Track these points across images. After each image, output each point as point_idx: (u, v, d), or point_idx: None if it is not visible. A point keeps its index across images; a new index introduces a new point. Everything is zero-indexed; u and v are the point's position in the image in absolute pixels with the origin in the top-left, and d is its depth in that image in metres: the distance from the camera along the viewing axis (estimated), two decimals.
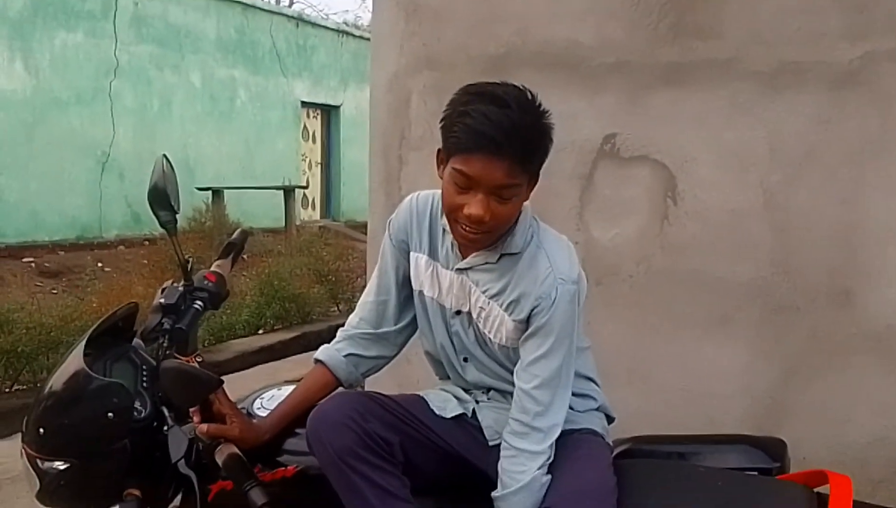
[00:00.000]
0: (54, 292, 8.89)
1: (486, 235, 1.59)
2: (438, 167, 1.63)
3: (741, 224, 2.38)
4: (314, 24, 15.67)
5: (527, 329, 1.63)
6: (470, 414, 1.76)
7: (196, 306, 1.80)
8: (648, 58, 2.45)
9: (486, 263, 1.67)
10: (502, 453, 1.61)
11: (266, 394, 1.82)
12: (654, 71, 2.45)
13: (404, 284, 1.82)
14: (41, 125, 10.57)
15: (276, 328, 6.88)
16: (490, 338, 1.70)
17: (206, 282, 1.84)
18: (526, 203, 1.65)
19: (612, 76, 2.49)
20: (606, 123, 2.51)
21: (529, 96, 1.56)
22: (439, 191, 1.64)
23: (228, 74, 13.46)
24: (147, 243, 10.28)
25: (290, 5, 21.60)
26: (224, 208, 10.85)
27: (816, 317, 2.35)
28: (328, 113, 15.98)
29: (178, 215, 1.83)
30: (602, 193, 2.54)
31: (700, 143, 2.41)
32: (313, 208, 15.75)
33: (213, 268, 1.89)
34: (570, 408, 1.68)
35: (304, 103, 15.15)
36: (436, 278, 1.75)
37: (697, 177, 2.42)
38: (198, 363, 1.77)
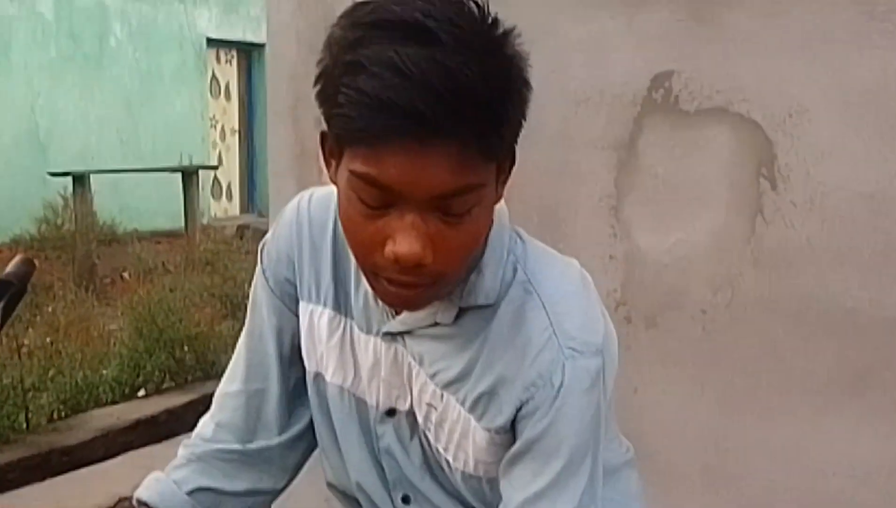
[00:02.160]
0: None
1: (432, 288, 1.32)
2: (328, 166, 1.36)
3: (888, 219, 2.16)
4: None
5: (511, 444, 1.39)
6: None
7: None
8: None
9: (436, 323, 1.41)
10: None
11: None
12: None
13: (293, 361, 1.59)
14: None
15: (162, 388, 6.69)
16: (448, 460, 1.46)
17: None
18: (499, 206, 1.39)
19: None
20: (657, 54, 2.32)
21: (476, 12, 1.26)
22: None
23: (96, 1, 13.36)
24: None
25: None
26: (91, 201, 10.70)
27: None
28: (248, 55, 16.03)
29: None
30: (652, 172, 2.35)
31: (814, 84, 2.20)
32: (230, 197, 15.83)
33: None
34: None
35: (211, 41, 15.18)
36: (349, 351, 1.51)
37: (811, 141, 2.21)
38: None
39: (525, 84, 1.30)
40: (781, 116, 2.22)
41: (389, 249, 1.25)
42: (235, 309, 7.52)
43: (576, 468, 1.37)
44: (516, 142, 1.34)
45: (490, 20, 1.26)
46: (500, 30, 1.27)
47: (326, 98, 1.26)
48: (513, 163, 1.36)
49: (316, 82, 1.29)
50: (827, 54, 2.18)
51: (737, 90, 2.25)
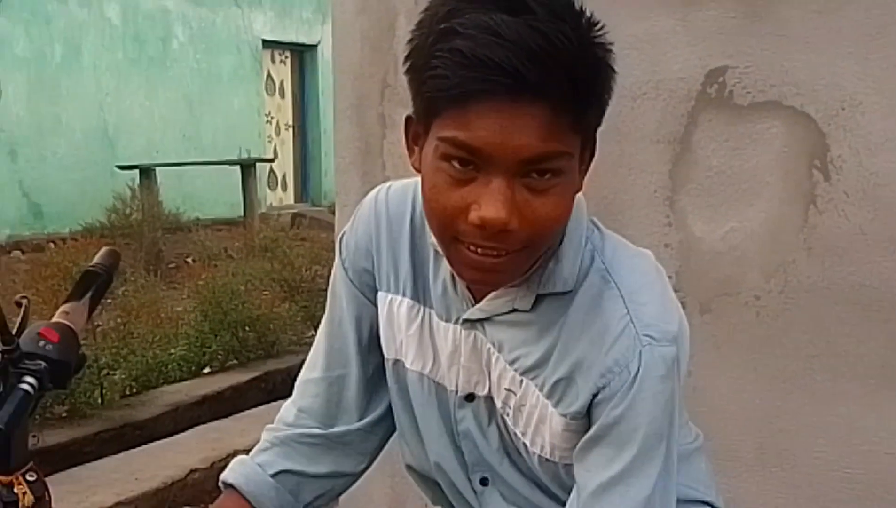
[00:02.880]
0: None
1: (514, 257, 1.26)
2: (411, 153, 1.32)
3: None
4: None
5: (587, 430, 1.33)
6: None
7: (24, 386, 1.47)
8: None
9: (515, 310, 1.36)
10: None
11: None
12: None
13: (372, 348, 1.54)
14: None
15: (227, 366, 6.69)
16: (525, 444, 1.40)
17: (42, 344, 1.51)
18: (579, 197, 1.33)
19: None
20: (711, 49, 2.24)
21: None
22: None
23: (159, 6, 13.45)
24: (53, 244, 10.19)
25: None
26: (157, 193, 10.84)
27: None
28: (301, 55, 16.09)
29: None
30: (706, 164, 2.26)
31: (867, 77, 2.10)
32: (284, 188, 15.90)
33: (56, 318, 1.56)
34: None
35: (267, 43, 15.22)
36: (428, 339, 1.46)
37: (864, 133, 2.11)
38: (29, 483, 1.45)
39: (610, 68, 1.26)
40: (834, 110, 2.13)
41: (475, 214, 1.20)
42: (293, 292, 7.53)
43: (650, 454, 1.31)
44: (598, 127, 1.30)
45: (580, 2, 1.23)
46: (586, 12, 1.23)
47: (417, 69, 1.23)
48: (593, 153, 1.32)
49: (406, 60, 1.26)
50: (879, 50, 2.09)
51: (790, 85, 2.16)
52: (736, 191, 2.23)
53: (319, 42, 15.66)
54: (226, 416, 5.84)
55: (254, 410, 5.80)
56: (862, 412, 2.15)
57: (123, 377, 6.02)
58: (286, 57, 15.81)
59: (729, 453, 2.21)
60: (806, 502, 2.21)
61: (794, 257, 2.18)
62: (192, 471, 4.79)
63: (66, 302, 1.63)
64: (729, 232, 2.24)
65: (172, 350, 6.49)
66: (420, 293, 1.46)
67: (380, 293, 1.50)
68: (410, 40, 1.25)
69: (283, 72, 15.81)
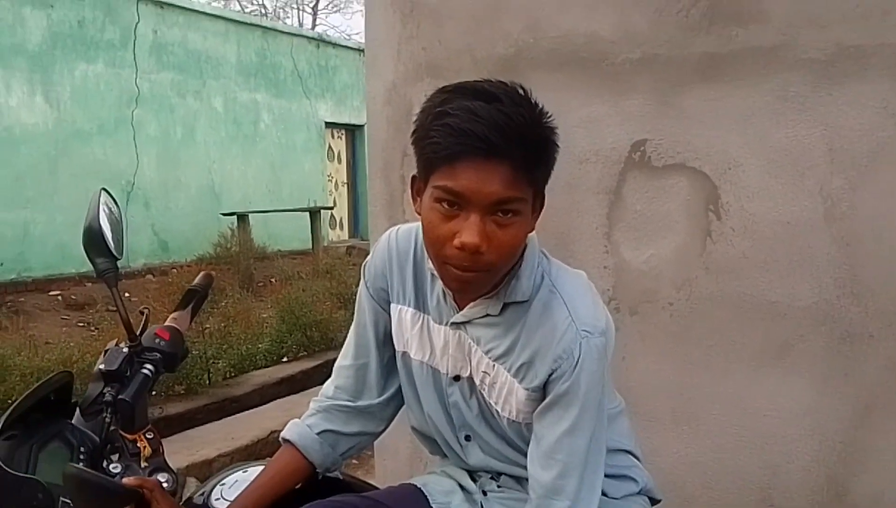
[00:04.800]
0: (80, 324, 8.77)
1: (485, 273, 1.26)
2: (415, 201, 1.31)
3: (799, 239, 2.04)
4: (335, 45, 15.61)
5: (542, 399, 1.31)
6: None
7: (145, 371, 1.49)
8: (679, 50, 2.11)
9: (487, 315, 1.35)
10: None
11: (229, 479, 1.51)
12: (687, 65, 2.11)
13: (387, 343, 1.52)
14: (64, 157, 10.49)
15: (298, 356, 6.66)
16: (497, 411, 1.38)
17: (158, 341, 1.52)
18: (532, 235, 1.33)
19: (639, 74, 2.16)
20: (635, 127, 2.19)
21: (522, 91, 1.24)
22: None
23: (251, 98, 13.39)
24: (174, 270, 10.21)
25: (312, 27, 21.57)
26: (249, 232, 10.81)
27: (894, 344, 1.98)
28: (353, 133, 15.93)
29: (119, 262, 1.49)
30: (633, 208, 2.22)
31: (745, 146, 2.07)
32: (341, 227, 15.76)
33: (167, 323, 1.57)
34: (604, 494, 1.35)
35: (328, 124, 15.12)
36: (426, 336, 1.44)
37: (744, 185, 2.09)
38: (148, 439, 1.46)
39: (553, 140, 1.26)
40: (723, 168, 2.10)
41: (457, 240, 1.21)
42: (346, 303, 7.41)
43: (589, 413, 1.30)
44: (545, 184, 1.30)
45: (532, 97, 1.24)
46: (538, 103, 1.25)
47: (420, 139, 1.25)
48: (542, 204, 1.31)
49: (413, 134, 1.27)
50: (755, 123, 2.06)
51: (691, 152, 2.13)
52: (654, 227, 2.19)
53: (365, 123, 15.64)
54: (297, 392, 5.81)
55: (316, 388, 5.80)
56: (747, 385, 2.12)
57: (224, 365, 6.00)
58: (342, 134, 15.72)
59: (650, 415, 2.18)
60: (708, 450, 2.17)
61: (697, 275, 2.15)
62: (273, 432, 4.76)
63: (174, 311, 1.65)
64: (649, 257, 2.20)
65: (259, 345, 6.47)
66: (420, 304, 1.45)
67: (392, 305, 1.48)
68: (416, 120, 1.27)
69: (339, 144, 15.71)
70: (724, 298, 2.12)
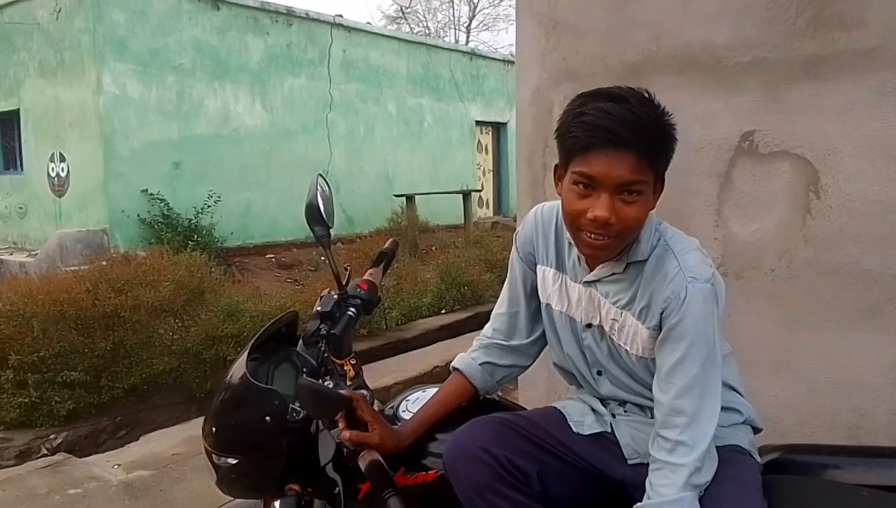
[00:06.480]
0: (288, 280, 9.25)
1: (613, 240, 1.26)
2: (556, 184, 1.32)
3: (891, 215, 1.91)
4: (485, 57, 15.57)
5: (659, 334, 1.30)
6: (608, 430, 1.44)
7: (350, 312, 1.58)
8: (787, 53, 2.01)
9: (613, 274, 1.35)
10: (650, 465, 1.29)
11: (412, 396, 1.58)
12: (793, 66, 2.00)
13: (533, 296, 1.53)
14: (276, 152, 11.05)
15: (454, 309, 6.75)
16: (626, 349, 1.38)
17: (358, 290, 1.62)
18: (652, 212, 1.31)
19: (749, 74, 2.07)
20: (744, 121, 2.10)
21: (646, 94, 1.23)
22: None
23: (417, 102, 13.60)
24: (358, 239, 10.60)
25: (466, 43, 21.57)
26: (415, 210, 10.99)
27: None
28: (497, 129, 15.87)
29: (331, 230, 1.59)
30: (741, 189, 2.13)
31: (844, 135, 1.95)
32: (487, 207, 15.74)
33: (365, 276, 1.67)
34: None
35: (478, 122, 15.14)
36: (564, 292, 1.44)
37: (842, 169, 1.97)
38: (352, 364, 1.55)
39: (673, 134, 1.25)
40: (823, 155, 1.99)
41: (591, 214, 1.23)
42: (492, 267, 7.51)
43: (697, 348, 1.26)
44: (665, 170, 1.28)
45: (655, 99, 1.24)
46: (660, 104, 1.24)
47: (562, 134, 1.26)
48: (662, 187, 1.29)
49: (556, 130, 1.29)
50: (854, 115, 1.94)
51: (795, 140, 2.03)
52: (759, 205, 2.10)
53: (508, 121, 15.51)
54: (453, 337, 5.95)
55: (468, 334, 5.85)
56: (839, 340, 2.00)
57: (397, 314, 6.18)
58: (489, 130, 15.70)
59: (752, 363, 2.09)
60: (802, 394, 2.08)
61: (797, 246, 2.05)
62: (435, 367, 4.92)
63: (370, 268, 1.73)
64: (755, 230, 2.11)
65: (424, 299, 6.64)
66: (560, 266, 1.46)
67: (538, 266, 1.50)
68: (558, 120, 1.28)
69: (486, 139, 15.69)
70: (820, 266, 2.02)
